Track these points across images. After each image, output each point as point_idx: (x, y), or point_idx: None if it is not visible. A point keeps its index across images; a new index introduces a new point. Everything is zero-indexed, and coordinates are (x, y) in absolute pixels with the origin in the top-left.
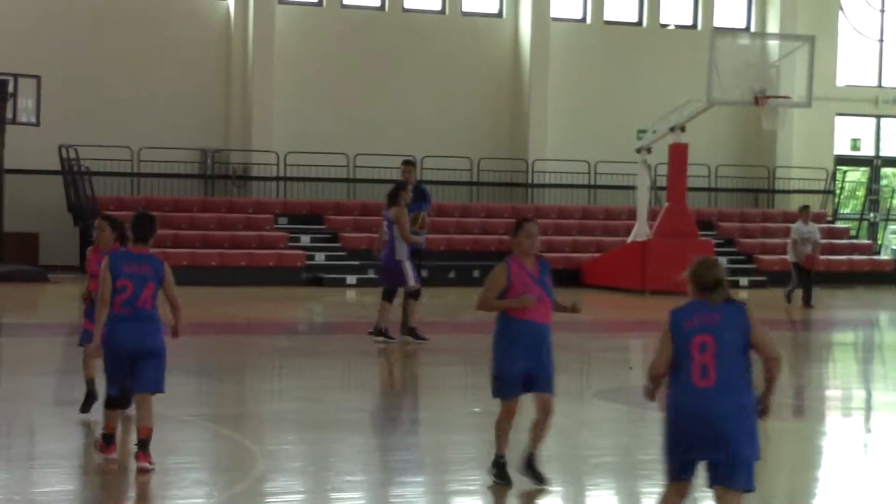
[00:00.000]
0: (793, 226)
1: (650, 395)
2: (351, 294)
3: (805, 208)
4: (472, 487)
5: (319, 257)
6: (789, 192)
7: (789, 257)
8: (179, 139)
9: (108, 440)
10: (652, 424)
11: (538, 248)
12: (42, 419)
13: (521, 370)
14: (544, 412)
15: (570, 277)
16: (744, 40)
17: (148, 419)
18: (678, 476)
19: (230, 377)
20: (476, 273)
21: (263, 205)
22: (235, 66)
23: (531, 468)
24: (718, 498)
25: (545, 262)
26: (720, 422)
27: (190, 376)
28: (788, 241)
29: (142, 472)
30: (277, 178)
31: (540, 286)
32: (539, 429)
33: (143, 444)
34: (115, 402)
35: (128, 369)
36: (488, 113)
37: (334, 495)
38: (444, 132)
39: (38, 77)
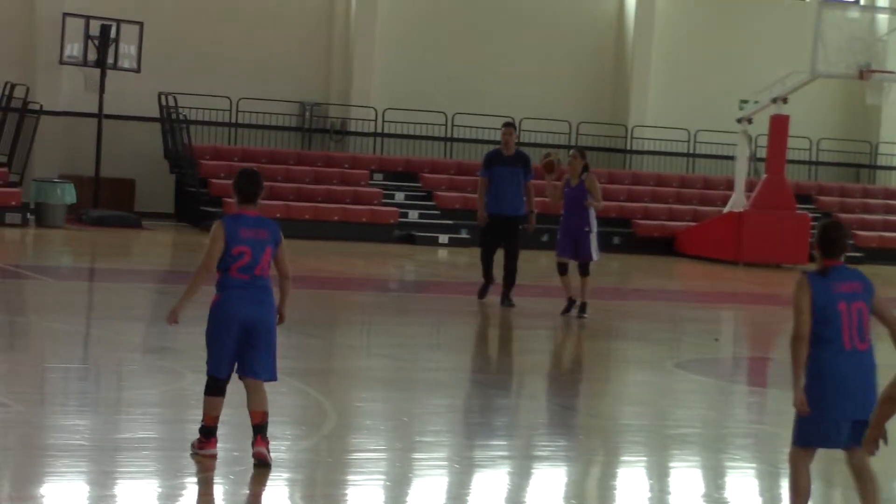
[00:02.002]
0: None
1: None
2: (443, 253)
3: None
4: (547, 453)
5: (413, 215)
6: (892, 168)
7: None
8: (279, 91)
9: (209, 433)
10: (734, 397)
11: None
12: (129, 365)
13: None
14: None
15: (665, 246)
16: (851, 13)
17: (262, 402)
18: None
19: (316, 332)
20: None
21: (360, 160)
22: (338, 19)
23: None
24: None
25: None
26: (872, 383)
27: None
28: None
29: (260, 460)
30: (375, 135)
31: None
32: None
33: (260, 430)
34: (220, 387)
35: (236, 346)
36: (589, 76)
37: (404, 454)
38: (543, 94)
39: (140, 23)
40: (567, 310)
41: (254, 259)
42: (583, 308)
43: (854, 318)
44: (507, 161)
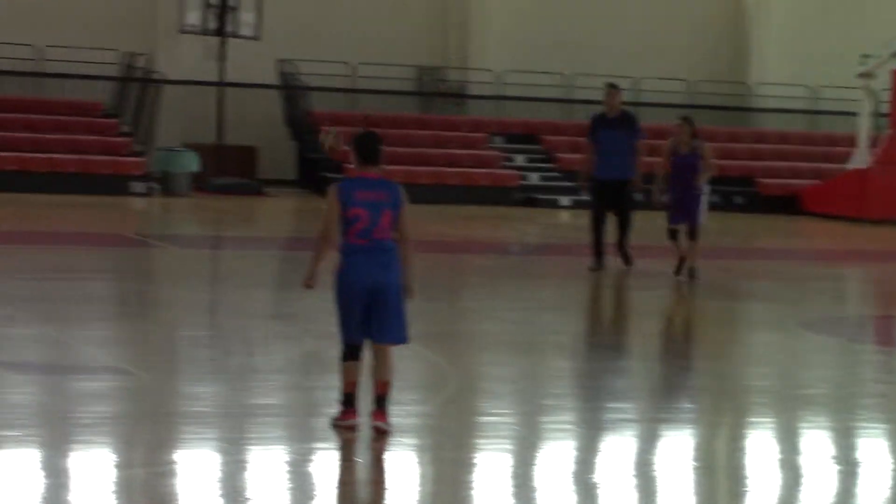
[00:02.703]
0: None
1: None
2: (564, 215)
3: None
4: (670, 415)
5: (533, 177)
6: None
7: None
8: (397, 56)
9: (348, 401)
10: (860, 356)
11: None
12: (254, 332)
13: None
14: None
15: (789, 204)
16: None
17: (387, 372)
18: None
19: (438, 296)
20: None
21: (479, 123)
22: None
23: None
24: None
25: None
26: None
27: None
28: None
29: (378, 433)
30: (494, 97)
31: None
32: None
33: (381, 401)
34: (354, 353)
35: (364, 310)
36: (708, 34)
37: (528, 418)
38: (661, 52)
39: None
40: (678, 270)
41: (371, 222)
42: (692, 272)
43: None
44: (611, 123)
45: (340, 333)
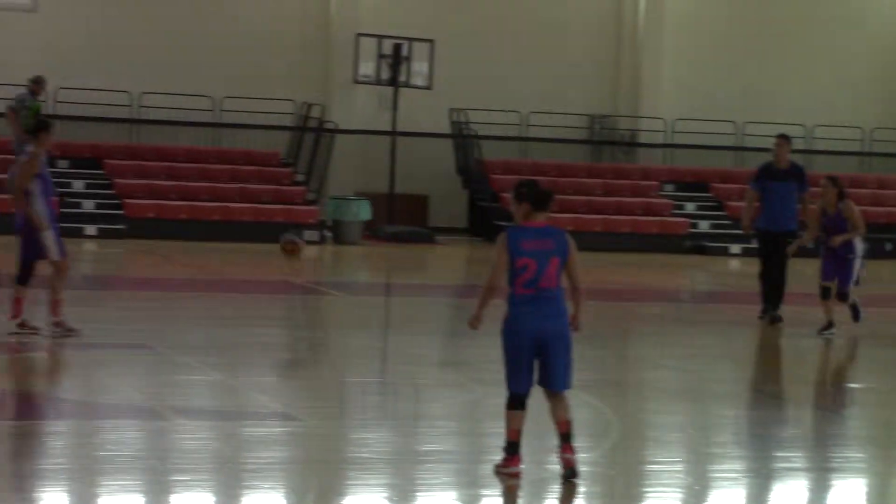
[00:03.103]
0: None
1: None
2: (734, 263)
3: None
4: (839, 464)
5: (703, 225)
6: None
7: None
8: (568, 104)
9: (512, 449)
10: None
11: None
12: (422, 379)
13: None
14: None
15: None
16: None
17: (565, 411)
18: None
19: (603, 343)
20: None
21: (649, 172)
22: (626, 31)
23: None
24: None
25: None
26: None
27: None
28: None
29: (568, 467)
30: (664, 146)
31: None
32: None
33: (567, 438)
34: (520, 402)
35: (532, 360)
36: (887, 79)
37: (695, 466)
38: (837, 100)
39: (431, 41)
40: (824, 329)
41: (538, 271)
42: (829, 326)
43: None
44: (779, 175)
45: (507, 382)
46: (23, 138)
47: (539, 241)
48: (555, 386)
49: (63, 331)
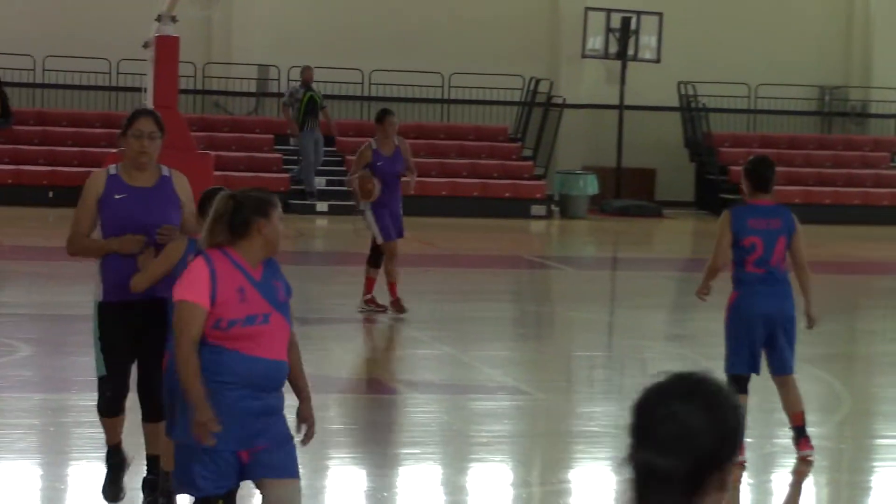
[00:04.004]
0: None
1: None
2: None
3: None
4: None
5: None
6: None
7: None
8: (797, 76)
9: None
10: None
11: None
12: (648, 353)
13: None
14: None
15: None
16: None
17: (796, 402)
18: None
19: (833, 317)
20: None
21: (881, 142)
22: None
23: None
24: None
25: None
26: None
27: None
28: None
29: (804, 462)
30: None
31: None
32: None
33: (801, 431)
34: (740, 385)
35: (758, 343)
36: None
37: None
38: None
39: (660, 14)
40: None
41: (767, 251)
42: None
43: None
44: None
45: (727, 363)
46: (295, 130)
47: (766, 219)
48: (784, 370)
49: (373, 307)
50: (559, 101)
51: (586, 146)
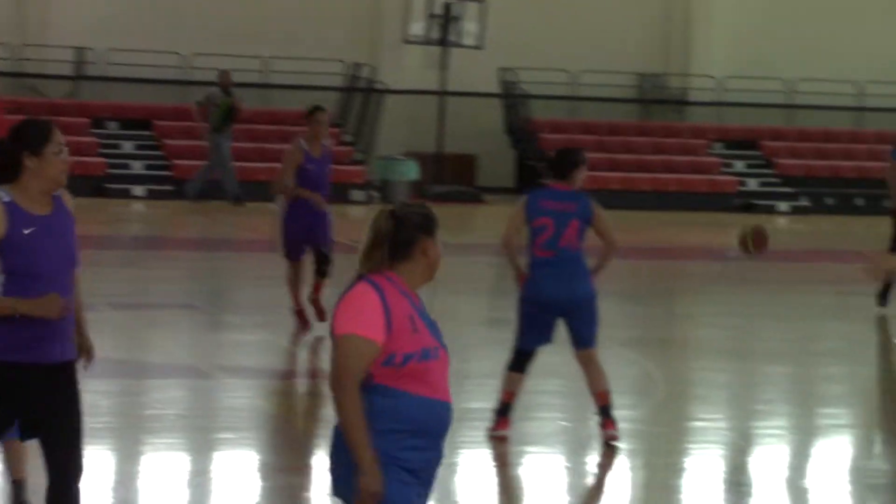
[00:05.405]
0: None
1: None
2: (781, 221)
3: None
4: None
5: (752, 183)
6: None
7: None
8: (617, 63)
9: (503, 411)
10: None
11: None
12: (468, 338)
13: None
14: None
15: None
16: None
17: (600, 381)
18: None
19: (652, 301)
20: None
21: (699, 130)
22: None
23: None
24: None
25: None
26: None
27: (612, 298)
28: None
29: (611, 441)
30: (714, 104)
31: None
32: None
33: (604, 411)
34: (522, 363)
35: (547, 322)
36: None
37: (740, 423)
38: (887, 55)
39: (482, 0)
40: None
41: (556, 233)
42: None
43: None
44: None
45: (516, 339)
46: (205, 132)
47: (560, 202)
48: (579, 345)
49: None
50: (381, 86)
51: (408, 132)
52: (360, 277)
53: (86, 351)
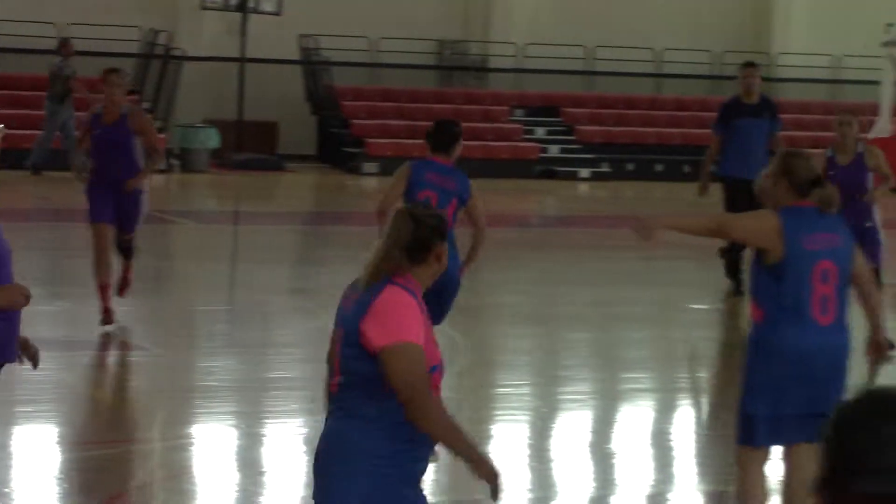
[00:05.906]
0: None
1: None
2: (583, 187)
3: None
4: (686, 385)
5: (553, 150)
6: None
7: None
8: (417, 29)
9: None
10: None
11: None
12: (271, 307)
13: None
14: None
15: None
16: None
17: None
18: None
19: None
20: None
21: (500, 97)
22: None
23: None
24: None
25: None
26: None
27: None
28: None
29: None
30: (514, 70)
31: None
32: None
33: None
34: None
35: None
36: (728, 4)
37: (544, 388)
38: (683, 23)
39: None
40: None
41: (439, 206)
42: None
43: None
44: (750, 110)
45: None
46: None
47: (442, 177)
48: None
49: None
50: (179, 52)
51: (207, 99)
52: (387, 281)
53: None
